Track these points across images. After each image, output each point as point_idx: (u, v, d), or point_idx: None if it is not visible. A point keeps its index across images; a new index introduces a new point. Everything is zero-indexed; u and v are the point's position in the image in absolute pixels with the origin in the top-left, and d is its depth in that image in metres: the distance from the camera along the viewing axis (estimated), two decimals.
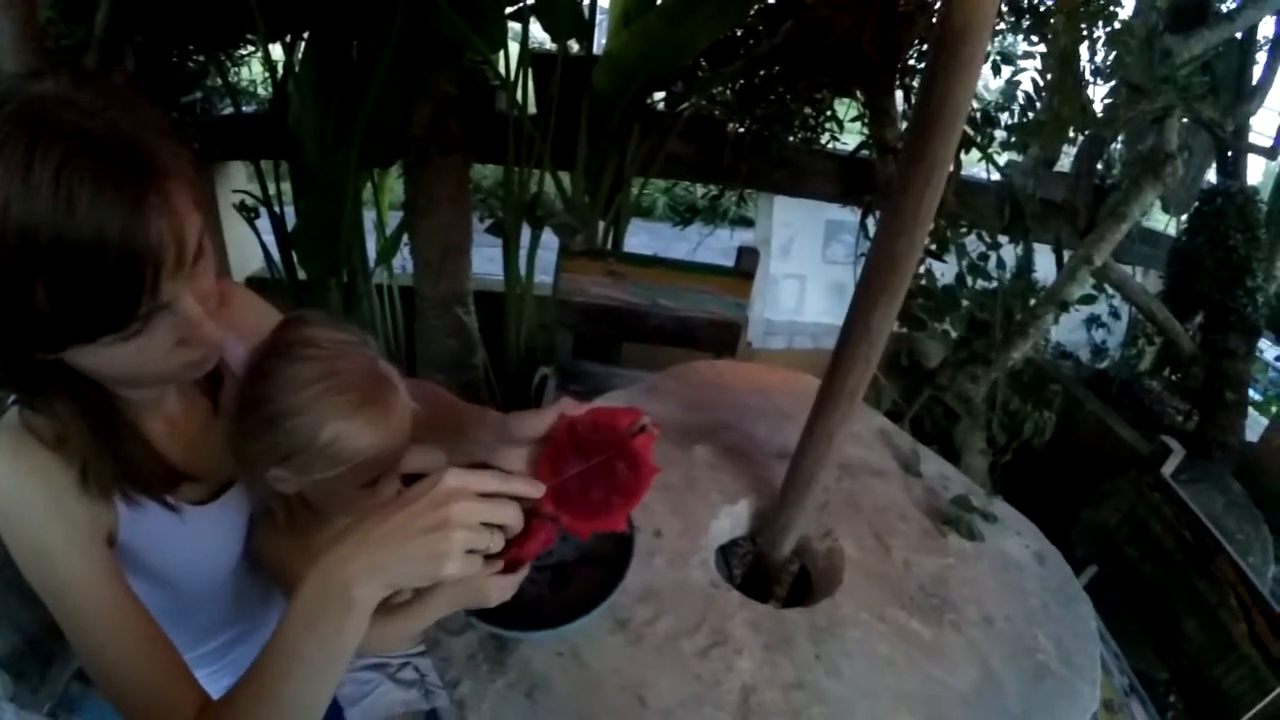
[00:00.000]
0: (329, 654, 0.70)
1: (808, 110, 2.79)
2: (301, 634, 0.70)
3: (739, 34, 2.63)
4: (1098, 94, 2.39)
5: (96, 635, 0.78)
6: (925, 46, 2.45)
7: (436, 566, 0.70)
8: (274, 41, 2.46)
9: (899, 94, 2.56)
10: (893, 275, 0.82)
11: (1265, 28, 2.73)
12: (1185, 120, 2.54)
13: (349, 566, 0.69)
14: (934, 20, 2.30)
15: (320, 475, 0.89)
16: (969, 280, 2.18)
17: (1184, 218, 2.95)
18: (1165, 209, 3.15)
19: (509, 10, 2.29)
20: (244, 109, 2.81)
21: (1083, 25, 2.15)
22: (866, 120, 2.64)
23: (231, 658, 1.13)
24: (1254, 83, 2.75)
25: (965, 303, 2.16)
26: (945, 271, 2.22)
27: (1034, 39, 2.22)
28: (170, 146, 0.68)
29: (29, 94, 0.64)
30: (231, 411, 0.92)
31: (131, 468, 0.83)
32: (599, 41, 2.65)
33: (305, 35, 2.37)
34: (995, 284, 2.24)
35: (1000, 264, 2.23)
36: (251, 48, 2.76)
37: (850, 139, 2.94)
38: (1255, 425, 2.90)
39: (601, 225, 2.73)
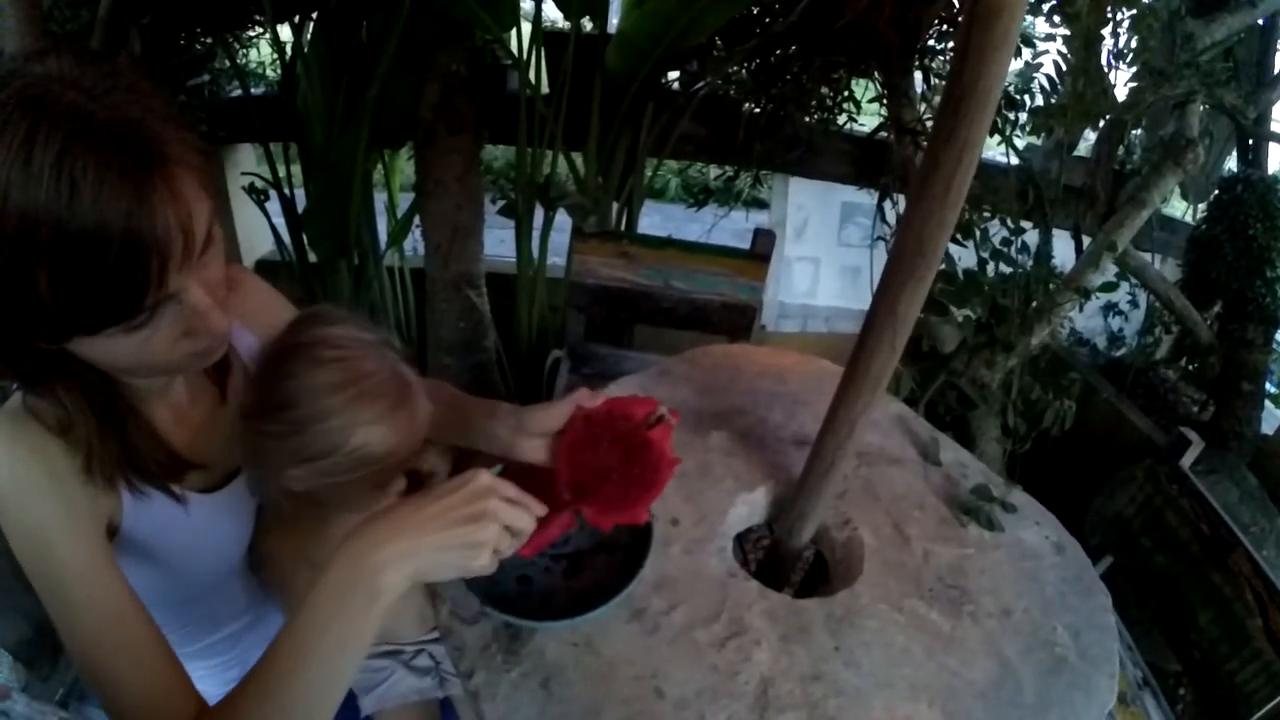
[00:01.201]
0: (349, 643, 0.70)
1: (824, 90, 2.75)
2: (325, 620, 0.69)
3: (754, 12, 2.59)
4: (1119, 78, 2.36)
5: (88, 625, 0.76)
6: (945, 26, 2.42)
7: (472, 556, 0.71)
8: (281, 22, 2.45)
9: (918, 74, 2.52)
10: (920, 259, 0.79)
11: None
12: (1206, 106, 2.51)
13: (382, 551, 0.69)
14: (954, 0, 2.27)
15: (342, 478, 0.89)
16: (990, 265, 2.16)
17: (1203, 206, 2.91)
18: (1184, 196, 3.11)
19: None
20: (252, 91, 2.80)
21: (1106, 8, 2.11)
22: (884, 101, 2.61)
23: (240, 648, 1.13)
24: (1276, 69, 2.70)
25: (986, 288, 2.13)
26: (962, 256, 2.19)
27: (1056, 21, 2.19)
28: (176, 131, 0.66)
29: (31, 75, 0.62)
30: (248, 408, 0.90)
31: (136, 455, 0.82)
32: (612, 20, 2.61)
33: (313, 16, 2.35)
34: (1015, 269, 2.21)
35: (1024, 249, 2.20)
36: (259, 29, 2.75)
37: (867, 120, 2.90)
38: (1271, 417, 2.87)
39: (615, 207, 2.71)
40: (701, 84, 2.67)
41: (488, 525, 0.71)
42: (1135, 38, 2.24)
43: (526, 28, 2.39)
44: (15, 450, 0.76)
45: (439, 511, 0.71)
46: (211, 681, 1.12)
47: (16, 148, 0.59)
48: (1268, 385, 2.82)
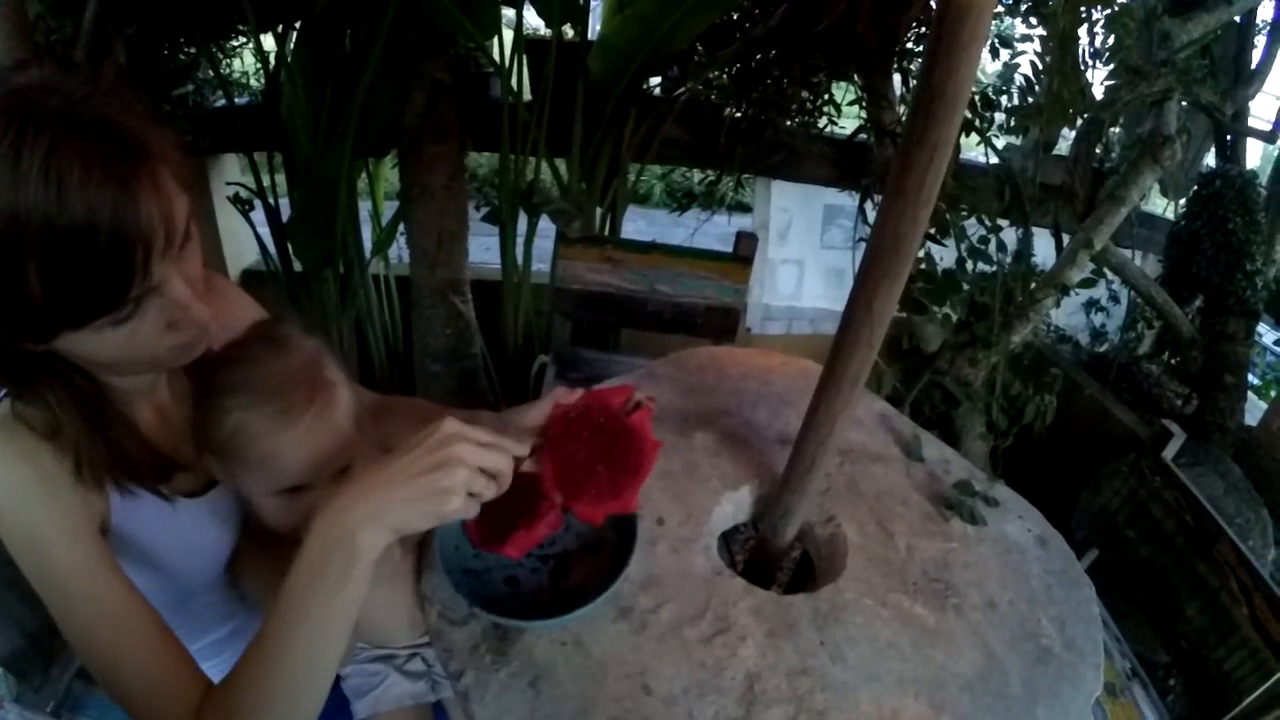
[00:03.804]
0: (334, 609, 0.71)
1: (804, 94, 2.77)
2: (306, 590, 0.71)
3: (734, 17, 2.62)
4: (1096, 77, 2.38)
5: (91, 622, 0.77)
6: (923, 29, 2.44)
7: (441, 502, 0.72)
8: (265, 32, 2.44)
9: (896, 77, 2.54)
10: (895, 257, 0.81)
11: (1264, 11, 2.72)
12: (1184, 104, 2.53)
13: (352, 513, 0.71)
14: (931, 1, 2.29)
15: (224, 467, 0.91)
16: (969, 264, 2.17)
17: (1183, 201, 2.94)
18: (1164, 193, 3.14)
19: None
20: (236, 101, 2.80)
21: (1081, 8, 2.14)
22: (864, 103, 2.63)
23: (230, 652, 1.13)
24: (1253, 66, 2.74)
25: (965, 286, 2.15)
26: (944, 256, 2.21)
27: (1033, 21, 2.21)
28: (157, 130, 0.69)
29: (13, 84, 0.64)
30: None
31: (123, 457, 0.83)
32: (593, 27, 2.62)
33: (297, 25, 2.35)
34: (995, 267, 2.23)
35: (1001, 247, 2.22)
36: (243, 39, 2.74)
37: (848, 123, 2.92)
38: (1254, 409, 2.91)
39: (599, 212, 2.72)
40: (683, 89, 2.68)
41: (453, 470, 0.71)
42: (1112, 36, 2.27)
43: (509, 35, 2.40)
44: (6, 457, 0.77)
45: (404, 464, 0.72)
46: None
47: (4, 152, 0.61)
48: (1250, 377, 2.85)
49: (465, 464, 0.72)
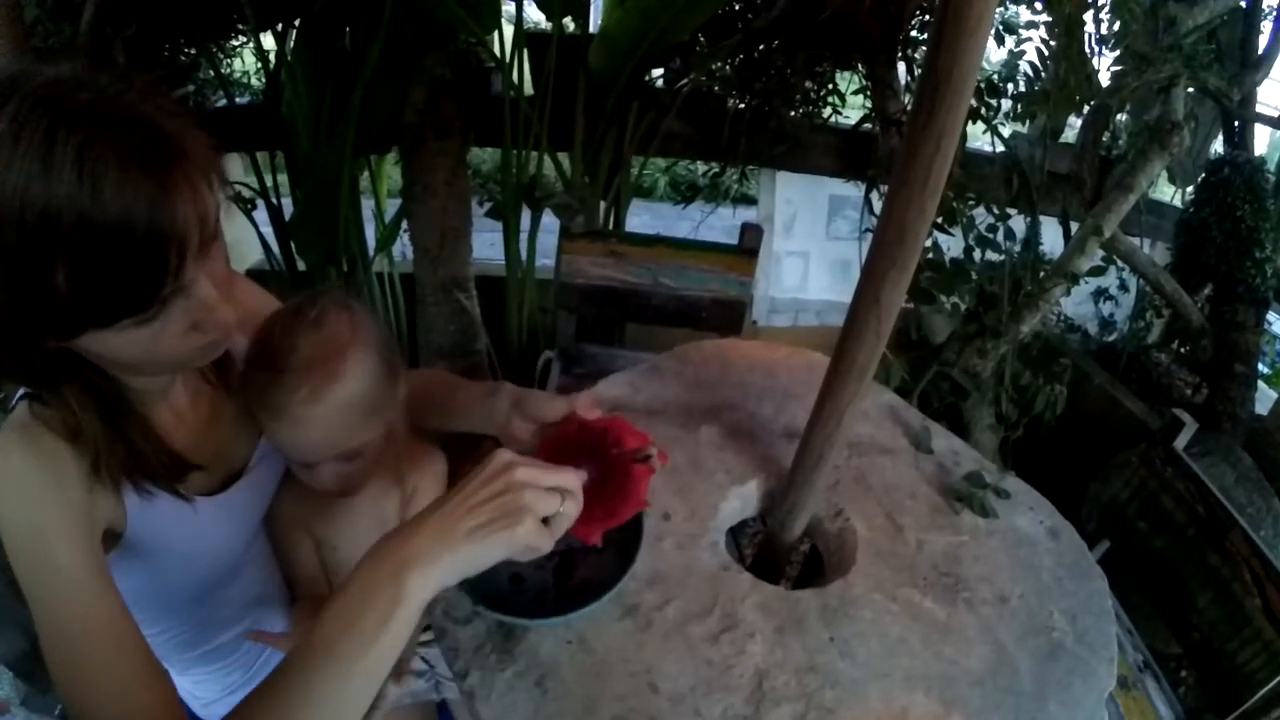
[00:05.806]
0: (369, 654, 0.66)
1: (808, 84, 2.75)
2: (341, 630, 0.66)
3: (736, 8, 2.60)
4: (1103, 63, 2.36)
5: (71, 632, 0.74)
6: (927, 17, 2.42)
7: (514, 523, 0.68)
8: (265, 31, 2.43)
9: (901, 65, 2.53)
10: (901, 247, 0.80)
11: None
12: (1191, 90, 2.51)
13: (403, 550, 0.67)
14: None
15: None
16: (977, 253, 2.16)
17: (1191, 189, 2.92)
18: (1172, 180, 3.12)
19: None
20: (237, 100, 2.79)
21: None
22: (868, 93, 2.61)
23: (240, 652, 1.13)
24: (1260, 52, 2.71)
25: (973, 276, 2.14)
26: (951, 245, 2.20)
27: (1038, 7, 2.19)
28: (189, 129, 0.68)
29: (45, 77, 0.63)
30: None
31: (140, 458, 0.82)
32: (594, 20, 2.61)
33: (296, 23, 2.34)
34: (1004, 256, 2.22)
35: (1009, 236, 2.20)
36: (243, 38, 2.74)
37: (852, 113, 2.90)
38: (1264, 398, 2.89)
39: (602, 206, 2.71)
40: (685, 81, 2.66)
41: (520, 492, 0.69)
42: (1117, 22, 2.25)
43: (509, 29, 2.39)
44: (27, 458, 0.76)
45: (464, 497, 0.69)
46: (213, 686, 1.13)
47: (36, 145, 0.59)
48: (1260, 366, 2.83)
49: (532, 486, 0.70)
